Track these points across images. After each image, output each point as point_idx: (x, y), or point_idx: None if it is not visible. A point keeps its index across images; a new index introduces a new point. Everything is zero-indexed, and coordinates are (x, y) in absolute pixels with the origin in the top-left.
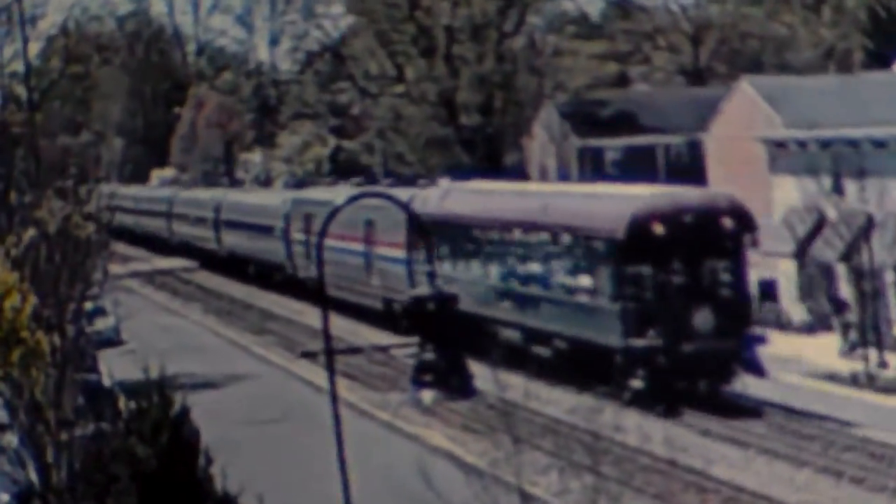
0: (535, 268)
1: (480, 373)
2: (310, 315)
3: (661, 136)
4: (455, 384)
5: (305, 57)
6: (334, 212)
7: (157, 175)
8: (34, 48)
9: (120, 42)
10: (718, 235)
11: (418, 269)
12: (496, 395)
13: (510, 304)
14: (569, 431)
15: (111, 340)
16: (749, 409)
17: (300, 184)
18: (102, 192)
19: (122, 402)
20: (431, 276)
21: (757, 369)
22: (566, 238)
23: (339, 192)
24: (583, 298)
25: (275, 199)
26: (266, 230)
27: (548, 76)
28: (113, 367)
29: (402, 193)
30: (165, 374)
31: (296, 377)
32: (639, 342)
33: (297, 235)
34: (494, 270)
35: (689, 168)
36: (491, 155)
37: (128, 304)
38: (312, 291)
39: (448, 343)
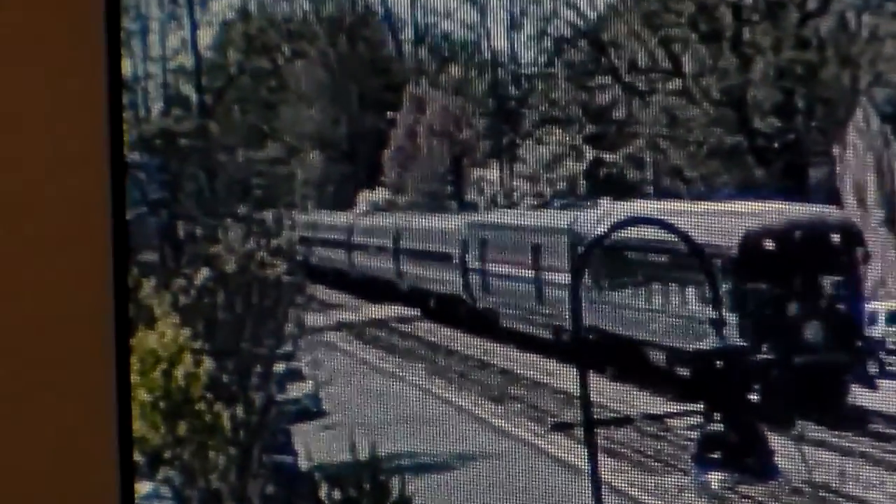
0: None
1: (780, 447)
2: (564, 376)
3: None
4: (751, 463)
5: (554, 45)
6: (596, 242)
7: (365, 198)
8: (206, 36)
9: (316, 29)
10: (828, 251)
11: (597, 298)
12: (804, 477)
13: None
14: None
15: (309, 411)
16: None
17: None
18: (296, 220)
19: (323, 491)
20: (718, 324)
21: (868, 383)
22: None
23: (521, 215)
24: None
25: (454, 223)
26: (443, 258)
27: (864, 67)
28: (312, 446)
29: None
30: (379, 455)
31: (547, 455)
32: (753, 356)
33: (474, 263)
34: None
35: None
36: (792, 169)
37: (330, 365)
38: (493, 325)
39: (741, 411)
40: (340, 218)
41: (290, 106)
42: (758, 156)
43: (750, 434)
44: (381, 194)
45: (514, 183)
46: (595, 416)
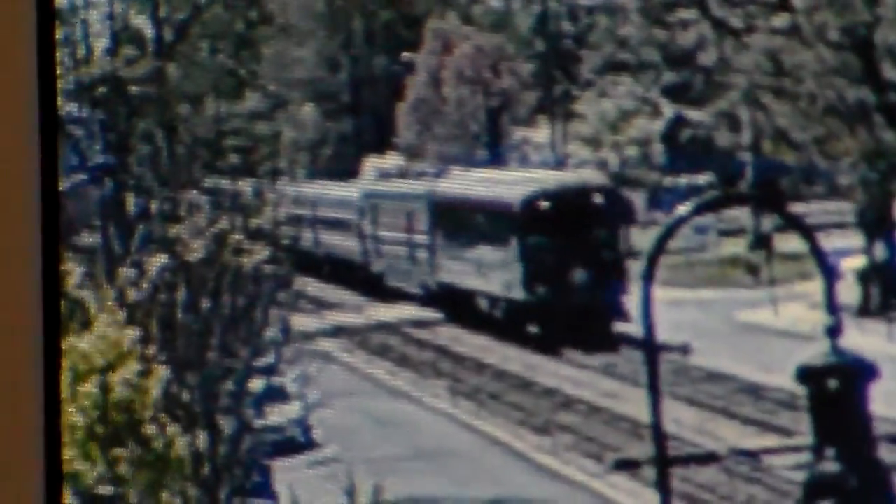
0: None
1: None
2: (629, 400)
3: None
4: None
5: None
6: (677, 222)
7: (372, 164)
8: None
9: None
10: (594, 211)
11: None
12: None
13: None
14: None
15: (295, 442)
16: None
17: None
18: (282, 193)
19: None
20: (833, 332)
21: (622, 315)
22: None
23: (412, 185)
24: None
25: (355, 191)
26: (344, 226)
27: None
28: (298, 487)
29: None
30: (386, 500)
31: (606, 502)
32: (532, 295)
33: (369, 230)
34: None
35: None
36: None
37: (325, 382)
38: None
39: (860, 446)
40: (340, 190)
41: (276, 44)
42: (889, 114)
43: (872, 477)
44: (393, 159)
45: (569, 146)
46: (669, 452)
